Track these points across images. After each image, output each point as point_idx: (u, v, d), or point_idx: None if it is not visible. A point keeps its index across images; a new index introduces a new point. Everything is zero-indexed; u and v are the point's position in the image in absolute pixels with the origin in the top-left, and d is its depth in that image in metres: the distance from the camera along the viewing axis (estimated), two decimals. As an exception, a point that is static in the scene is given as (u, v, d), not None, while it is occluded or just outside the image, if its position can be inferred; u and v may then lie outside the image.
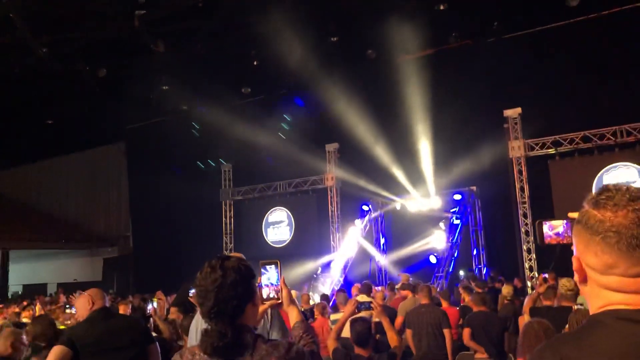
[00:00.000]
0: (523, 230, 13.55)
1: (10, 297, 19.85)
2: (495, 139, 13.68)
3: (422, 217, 15.04)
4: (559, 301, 5.42)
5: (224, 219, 18.93)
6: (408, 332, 6.62)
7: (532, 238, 13.32)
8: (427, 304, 6.68)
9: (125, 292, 16.93)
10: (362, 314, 5.14)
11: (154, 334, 4.96)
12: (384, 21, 13.43)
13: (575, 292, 5.00)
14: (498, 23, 13.92)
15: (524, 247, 13.49)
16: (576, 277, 1.19)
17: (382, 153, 14.85)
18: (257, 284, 1.96)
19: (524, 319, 5.38)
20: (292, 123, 17.06)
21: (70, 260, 23.94)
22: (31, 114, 19.76)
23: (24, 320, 7.94)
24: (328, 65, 14.62)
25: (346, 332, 4.28)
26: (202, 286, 1.82)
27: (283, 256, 15.86)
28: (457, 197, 14.37)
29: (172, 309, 7.54)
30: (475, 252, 14.81)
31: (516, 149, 13.83)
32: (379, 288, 11.54)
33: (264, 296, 2.19)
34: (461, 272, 14.16)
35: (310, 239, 17.15)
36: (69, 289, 15.09)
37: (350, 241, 16.00)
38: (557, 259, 11.25)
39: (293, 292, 3.68)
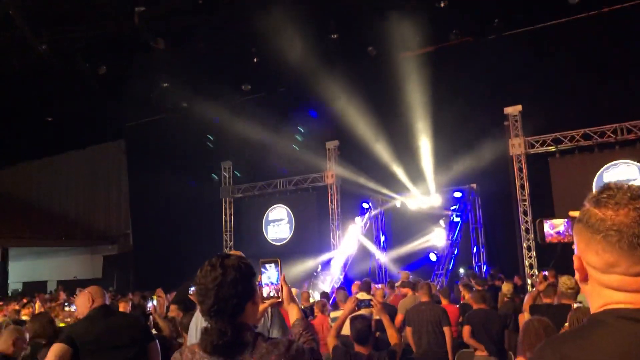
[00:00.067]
0: (523, 227, 13.55)
1: (10, 294, 19.86)
2: (495, 137, 13.68)
3: (422, 214, 15.04)
4: (559, 299, 5.42)
5: (224, 216, 18.92)
6: (408, 330, 6.63)
7: (532, 236, 13.32)
8: (427, 302, 6.68)
9: (125, 289, 16.93)
10: (362, 311, 5.14)
11: (153, 332, 4.95)
12: (385, 18, 13.42)
13: (576, 291, 4.99)
14: (498, 20, 13.91)
15: (524, 245, 13.49)
16: (577, 276, 1.18)
17: (382, 150, 14.85)
18: (257, 283, 1.96)
19: (524, 317, 5.38)
20: (293, 121, 17.03)
21: (70, 258, 23.94)
22: (31, 112, 19.74)
23: (24, 317, 7.95)
24: (328, 63, 14.61)
25: (346, 330, 4.28)
26: (202, 284, 1.82)
27: (283, 254, 15.91)
28: (457, 194, 14.37)
29: (172, 307, 7.55)
30: (475, 249, 14.81)
31: (516, 146, 13.82)
32: (379, 286, 11.53)
33: (264, 295, 2.18)
34: (461, 270, 14.17)
35: (311, 237, 17.15)
36: (69, 286, 15.13)
37: (351, 239, 16.00)
38: (558, 257, 11.26)
39: (293, 290, 3.68)
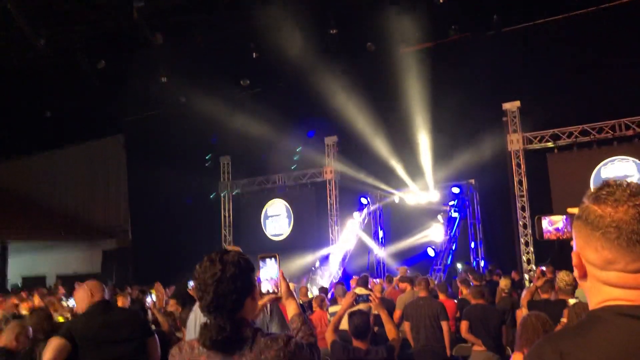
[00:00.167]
0: (521, 223, 13.58)
1: (9, 289, 19.85)
2: (494, 132, 13.69)
3: (421, 210, 15.07)
4: (557, 295, 5.44)
5: (222, 211, 18.92)
6: (406, 325, 6.65)
7: (530, 231, 13.36)
8: (425, 297, 6.70)
9: (124, 284, 16.91)
10: (360, 306, 5.16)
11: (152, 327, 4.96)
12: (384, 13, 13.40)
13: (574, 287, 5.01)
14: (497, 16, 13.88)
15: (522, 241, 13.52)
16: (576, 272, 1.19)
17: (381, 146, 14.85)
18: (256, 278, 1.96)
19: (522, 312, 5.39)
20: (291, 116, 17.01)
21: (69, 253, 23.91)
22: (30, 107, 19.69)
23: (23, 312, 7.95)
24: (327, 58, 14.58)
25: (344, 325, 4.29)
26: (201, 280, 1.82)
27: (282, 249, 15.96)
28: (456, 190, 14.38)
29: (171, 301, 7.57)
30: (473, 245, 14.84)
31: (515, 142, 13.83)
32: (377, 281, 11.56)
33: (263, 290, 2.19)
34: (459, 265, 14.19)
35: (309, 232, 17.15)
36: (68, 281, 15.10)
37: (349, 234, 16.02)
38: (555, 252, 11.28)
39: (291, 285, 3.68)
